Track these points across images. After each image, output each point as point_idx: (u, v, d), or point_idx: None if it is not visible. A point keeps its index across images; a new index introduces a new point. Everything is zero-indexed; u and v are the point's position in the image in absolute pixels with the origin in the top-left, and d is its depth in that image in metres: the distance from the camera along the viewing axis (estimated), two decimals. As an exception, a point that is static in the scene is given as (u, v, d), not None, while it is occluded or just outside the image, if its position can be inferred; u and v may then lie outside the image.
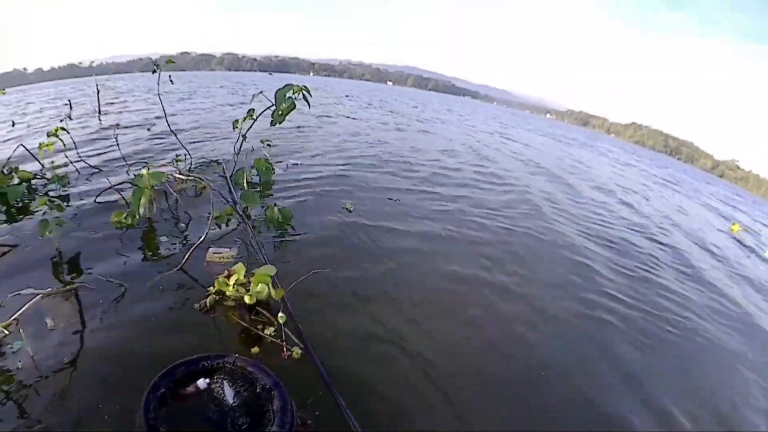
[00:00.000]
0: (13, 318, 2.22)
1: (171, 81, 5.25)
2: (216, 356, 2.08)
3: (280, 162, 6.46)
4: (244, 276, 2.69)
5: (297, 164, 6.69)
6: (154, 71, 4.95)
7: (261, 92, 4.59)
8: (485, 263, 4.30)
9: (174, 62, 5.27)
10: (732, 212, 14.89)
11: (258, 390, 1.95)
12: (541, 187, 8.54)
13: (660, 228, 7.55)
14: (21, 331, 2.17)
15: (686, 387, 3.08)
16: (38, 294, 2.39)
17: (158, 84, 5.00)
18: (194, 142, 7.26)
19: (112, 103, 12.16)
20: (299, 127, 10.41)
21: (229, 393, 1.89)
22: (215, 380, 1.93)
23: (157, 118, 5.57)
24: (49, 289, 2.55)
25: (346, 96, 26.20)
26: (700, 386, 3.17)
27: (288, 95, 4.33)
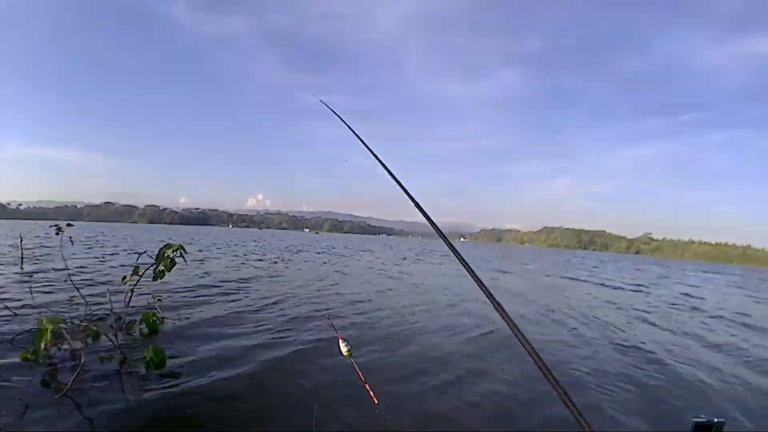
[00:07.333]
0: None
1: (71, 242, 6.02)
2: None
3: (167, 317, 6.24)
4: None
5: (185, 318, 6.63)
6: (56, 233, 5.50)
7: (145, 251, 5.78)
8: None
9: (73, 225, 5.81)
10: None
11: None
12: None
13: None
14: None
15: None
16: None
17: (61, 246, 5.81)
18: (99, 290, 7.83)
19: (34, 250, 13.17)
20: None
21: None
22: None
23: (77, 268, 6.72)
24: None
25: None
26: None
27: (167, 254, 5.23)
